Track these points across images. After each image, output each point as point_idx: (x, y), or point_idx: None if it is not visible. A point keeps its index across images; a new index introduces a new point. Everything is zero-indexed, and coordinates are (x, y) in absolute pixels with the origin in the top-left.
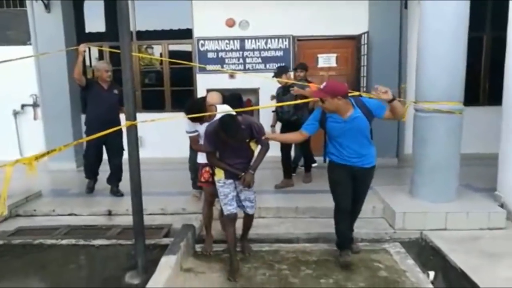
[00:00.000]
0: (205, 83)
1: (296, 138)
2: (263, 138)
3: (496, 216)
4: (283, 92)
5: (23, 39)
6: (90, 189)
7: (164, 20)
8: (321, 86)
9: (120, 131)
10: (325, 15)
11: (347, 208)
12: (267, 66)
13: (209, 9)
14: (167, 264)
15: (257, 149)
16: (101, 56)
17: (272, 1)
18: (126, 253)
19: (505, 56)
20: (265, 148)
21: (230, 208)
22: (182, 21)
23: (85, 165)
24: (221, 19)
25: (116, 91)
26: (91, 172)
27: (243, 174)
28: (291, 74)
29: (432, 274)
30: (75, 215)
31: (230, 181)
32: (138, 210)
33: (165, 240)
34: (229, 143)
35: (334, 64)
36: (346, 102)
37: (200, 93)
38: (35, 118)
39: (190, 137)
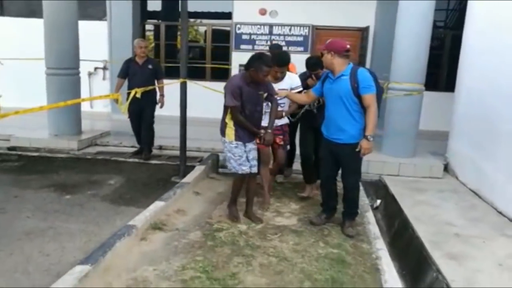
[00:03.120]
0: (238, 60)
1: (304, 99)
2: (275, 95)
3: (435, 168)
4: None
5: (100, 15)
6: (136, 151)
7: (210, 4)
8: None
9: (153, 104)
10: (339, 9)
11: (326, 181)
12: (290, 48)
13: None
14: (197, 170)
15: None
16: (157, 32)
17: None
18: (172, 168)
19: (460, 52)
20: (276, 105)
21: (244, 168)
22: (224, 6)
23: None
24: (255, 7)
25: (150, 66)
26: (136, 134)
27: (263, 133)
28: None
29: (379, 201)
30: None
31: (241, 143)
32: (183, 138)
33: (198, 164)
34: (251, 93)
35: None
36: (342, 63)
37: (235, 68)
38: (103, 79)
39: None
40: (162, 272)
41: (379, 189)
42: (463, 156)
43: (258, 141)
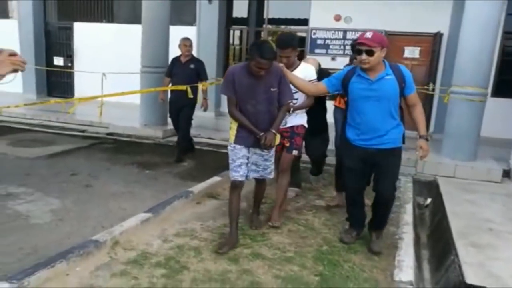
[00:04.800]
0: None
1: (309, 88)
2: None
3: (494, 172)
4: None
5: (190, 21)
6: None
7: (289, 11)
8: (366, 35)
9: (192, 105)
10: (413, 14)
11: (357, 195)
12: None
13: (323, 5)
14: None
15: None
16: (241, 38)
17: (371, 1)
18: None
19: None
20: (287, 107)
21: (235, 174)
22: (301, 12)
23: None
24: (331, 14)
25: (192, 66)
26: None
27: (262, 134)
28: None
29: (429, 200)
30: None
31: (241, 146)
32: None
33: None
34: (253, 86)
35: (417, 56)
36: (381, 60)
37: None
38: None
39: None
40: (207, 226)
41: (432, 188)
42: None
43: (261, 142)
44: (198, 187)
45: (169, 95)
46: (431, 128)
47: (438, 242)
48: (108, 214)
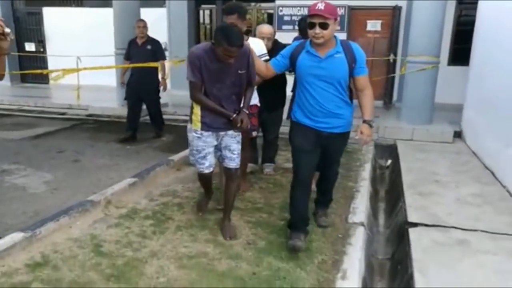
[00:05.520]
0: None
1: (262, 69)
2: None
3: (446, 134)
4: None
5: (160, 3)
6: (125, 137)
7: None
8: (318, 7)
9: (155, 82)
10: None
11: (306, 180)
12: None
13: None
14: None
15: None
16: (211, 16)
17: None
18: None
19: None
20: (253, 86)
21: (199, 166)
22: None
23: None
24: None
25: (149, 47)
26: (128, 120)
27: (235, 115)
28: None
29: (390, 161)
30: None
31: (208, 133)
32: None
33: None
34: (222, 70)
35: (379, 29)
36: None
37: None
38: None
39: None
40: (187, 188)
41: (392, 151)
42: (470, 123)
43: (236, 125)
44: (177, 156)
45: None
46: (394, 97)
47: (392, 195)
48: (97, 183)
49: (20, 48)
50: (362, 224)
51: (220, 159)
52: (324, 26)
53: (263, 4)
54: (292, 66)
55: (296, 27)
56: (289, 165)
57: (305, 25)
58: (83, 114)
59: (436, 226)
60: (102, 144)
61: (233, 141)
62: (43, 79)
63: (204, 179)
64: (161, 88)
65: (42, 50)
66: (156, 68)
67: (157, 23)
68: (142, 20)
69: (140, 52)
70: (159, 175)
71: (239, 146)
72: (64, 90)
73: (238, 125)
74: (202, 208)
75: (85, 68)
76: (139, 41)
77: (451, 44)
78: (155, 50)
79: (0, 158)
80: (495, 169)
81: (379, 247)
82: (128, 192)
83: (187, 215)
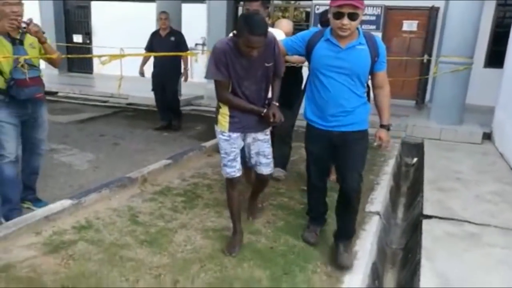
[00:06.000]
0: None
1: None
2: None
3: (475, 134)
4: None
5: None
6: (161, 126)
7: None
8: None
9: (176, 76)
10: None
11: (318, 185)
12: (363, 27)
13: None
14: None
15: None
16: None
17: None
18: None
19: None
20: (280, 77)
21: (229, 170)
22: None
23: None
24: None
25: (173, 38)
26: (159, 110)
27: (265, 110)
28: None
29: (415, 159)
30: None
31: (237, 134)
32: None
33: None
34: (249, 64)
35: (415, 29)
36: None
37: None
38: (202, 53)
39: None
40: (217, 171)
41: (419, 149)
42: (500, 124)
43: (269, 120)
44: (209, 143)
45: (151, 70)
46: (427, 98)
47: (413, 190)
48: (135, 163)
49: (68, 39)
50: (377, 213)
51: (250, 164)
52: (353, 16)
53: (302, 2)
54: (307, 55)
55: None
56: None
57: (327, 18)
58: (124, 102)
59: (449, 219)
60: (140, 130)
61: (266, 146)
62: (88, 69)
63: (233, 188)
64: (182, 78)
65: (88, 41)
66: (179, 60)
67: (197, 18)
68: (165, 12)
69: (163, 44)
70: (191, 159)
71: (271, 149)
72: (106, 80)
73: (271, 120)
74: (236, 249)
75: (129, 54)
76: (162, 33)
77: (488, 46)
78: (178, 42)
79: (50, 139)
80: None
81: (394, 238)
82: (163, 172)
83: (215, 194)
